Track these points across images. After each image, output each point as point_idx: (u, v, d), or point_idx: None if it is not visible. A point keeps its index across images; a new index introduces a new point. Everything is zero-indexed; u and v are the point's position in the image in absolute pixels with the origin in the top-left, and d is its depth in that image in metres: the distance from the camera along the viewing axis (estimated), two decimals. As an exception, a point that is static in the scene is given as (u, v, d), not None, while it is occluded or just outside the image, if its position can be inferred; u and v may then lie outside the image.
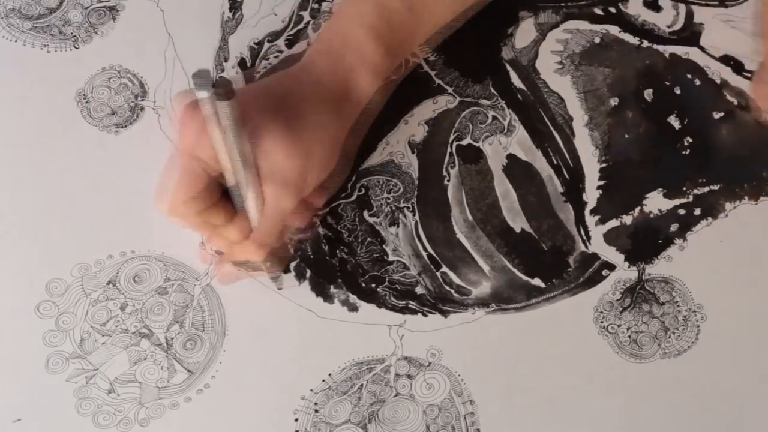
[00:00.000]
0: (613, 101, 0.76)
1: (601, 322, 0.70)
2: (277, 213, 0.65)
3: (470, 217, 0.73)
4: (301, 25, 0.79)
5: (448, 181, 0.74)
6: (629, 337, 0.70)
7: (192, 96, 0.61)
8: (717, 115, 0.76)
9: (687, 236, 0.73)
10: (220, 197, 0.66)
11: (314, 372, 0.69)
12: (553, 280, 0.72)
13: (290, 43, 0.78)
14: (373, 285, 0.71)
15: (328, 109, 0.68)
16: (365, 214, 0.73)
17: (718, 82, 0.77)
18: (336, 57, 0.70)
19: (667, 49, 0.78)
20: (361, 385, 0.69)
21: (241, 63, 0.77)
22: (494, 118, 0.76)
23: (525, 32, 0.79)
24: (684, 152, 0.75)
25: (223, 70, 0.77)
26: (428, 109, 0.76)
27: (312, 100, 0.68)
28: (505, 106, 0.76)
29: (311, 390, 0.68)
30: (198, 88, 0.56)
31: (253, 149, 0.62)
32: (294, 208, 0.66)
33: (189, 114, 0.62)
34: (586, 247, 0.72)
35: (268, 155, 0.63)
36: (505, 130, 0.76)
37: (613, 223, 0.73)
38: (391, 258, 0.72)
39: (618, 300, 0.71)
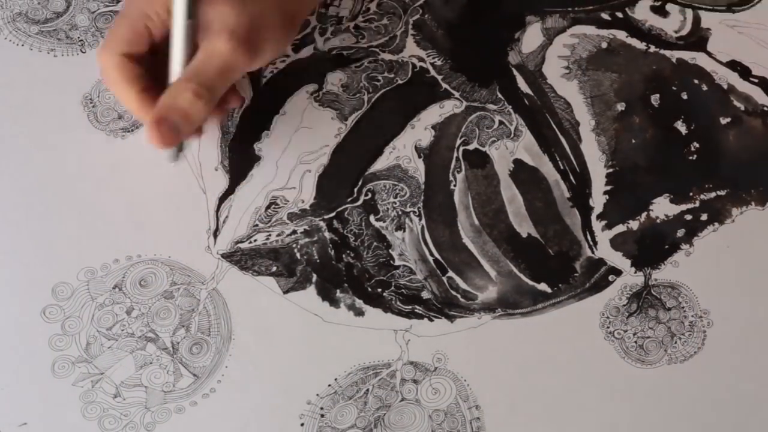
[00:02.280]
0: (620, 106, 0.76)
1: (608, 327, 0.70)
2: (223, 64, 0.65)
3: (476, 222, 0.73)
4: (308, 30, 0.79)
5: (455, 185, 0.74)
6: (635, 342, 0.70)
7: None
8: (724, 121, 0.76)
9: (693, 242, 0.73)
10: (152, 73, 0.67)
11: (320, 376, 0.69)
12: (560, 285, 0.71)
13: (296, 48, 0.78)
14: (379, 289, 0.71)
15: None
16: (371, 218, 0.73)
17: (725, 87, 0.77)
18: None
19: (674, 55, 0.78)
20: (367, 390, 0.69)
21: (248, 67, 0.77)
22: (501, 122, 0.76)
23: (532, 37, 0.79)
24: (691, 157, 0.75)
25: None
26: (435, 113, 0.76)
27: None
28: (511, 110, 0.76)
29: (317, 394, 0.68)
30: None
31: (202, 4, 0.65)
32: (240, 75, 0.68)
33: None
34: (593, 252, 0.72)
35: (215, 6, 0.65)
36: (512, 135, 0.76)
37: (620, 228, 0.73)
38: (397, 262, 0.72)
39: (624, 305, 0.71)
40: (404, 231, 0.73)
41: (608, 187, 0.74)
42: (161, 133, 0.65)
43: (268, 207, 0.73)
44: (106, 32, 0.66)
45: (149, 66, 0.67)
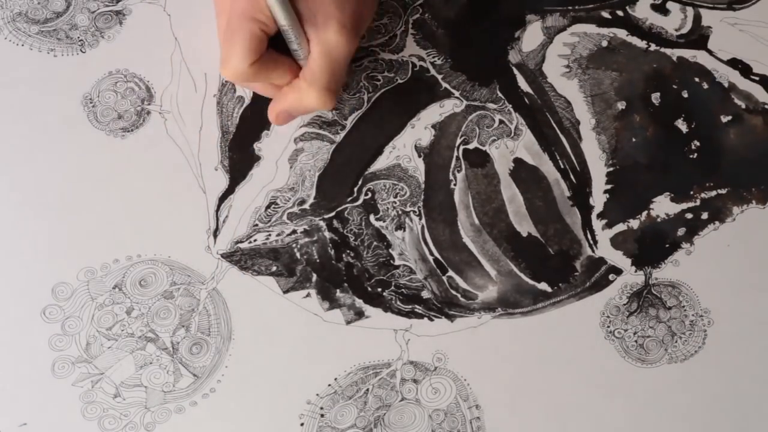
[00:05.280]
0: (621, 105, 0.76)
1: (608, 326, 0.70)
2: (341, 58, 0.68)
3: (477, 221, 0.73)
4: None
5: (455, 185, 0.74)
6: (636, 341, 0.70)
7: None
8: (725, 119, 0.76)
9: (694, 240, 0.73)
10: (280, 58, 0.69)
11: (320, 376, 0.69)
12: (560, 284, 0.71)
13: (297, 47, 0.78)
14: (379, 289, 0.71)
15: None
16: (371, 217, 0.73)
17: (726, 85, 0.77)
18: None
19: (675, 53, 0.78)
20: (367, 390, 0.69)
21: (248, 67, 0.77)
22: (501, 121, 0.76)
23: (532, 36, 0.79)
24: (691, 156, 0.75)
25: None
26: (435, 112, 0.76)
27: None
28: (512, 109, 0.76)
29: (317, 394, 0.68)
30: None
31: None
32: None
33: None
34: (593, 251, 0.72)
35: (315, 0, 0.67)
36: (512, 134, 0.75)
37: (620, 227, 0.73)
38: (397, 262, 0.72)
39: (625, 304, 0.71)
40: (404, 230, 0.73)
41: (609, 186, 0.74)
42: (281, 123, 0.73)
43: (268, 207, 0.73)
44: (223, 48, 0.67)
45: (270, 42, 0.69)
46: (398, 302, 0.71)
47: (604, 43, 0.78)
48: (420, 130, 0.75)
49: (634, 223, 0.73)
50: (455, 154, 0.75)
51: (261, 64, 0.67)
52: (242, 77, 0.67)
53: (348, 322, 0.71)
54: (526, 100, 0.77)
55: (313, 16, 0.67)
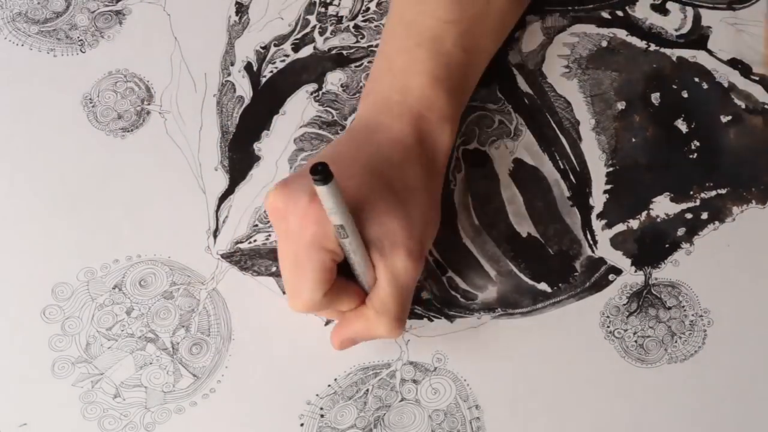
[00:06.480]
0: (620, 105, 0.76)
1: (608, 326, 0.70)
2: (409, 285, 0.64)
3: (476, 222, 0.73)
4: (308, 29, 0.79)
5: (454, 185, 0.74)
6: (635, 341, 0.70)
7: (300, 192, 0.62)
8: (724, 119, 0.76)
9: (694, 240, 0.73)
10: (347, 284, 0.65)
11: (320, 377, 0.69)
12: (560, 284, 0.71)
13: (296, 47, 0.78)
14: (379, 289, 0.71)
15: (422, 168, 0.67)
16: (371, 218, 0.73)
17: (726, 85, 0.77)
18: (401, 110, 0.68)
19: (675, 53, 0.78)
20: (367, 390, 0.69)
21: (248, 67, 0.77)
22: (501, 122, 0.76)
23: (532, 36, 0.79)
24: (691, 156, 0.75)
25: (229, 74, 0.77)
26: (434, 113, 0.76)
27: (400, 160, 0.66)
28: (511, 110, 0.76)
29: (317, 395, 0.68)
30: (318, 183, 0.55)
31: (365, 224, 0.62)
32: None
33: (306, 207, 0.61)
34: (593, 251, 0.72)
35: (383, 226, 0.63)
36: (512, 135, 0.75)
37: (620, 227, 0.73)
38: (397, 262, 0.72)
39: (624, 304, 0.71)
40: (404, 230, 0.73)
41: (608, 186, 0.74)
42: (344, 348, 0.68)
43: (267, 207, 0.73)
44: (291, 279, 0.64)
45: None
46: (398, 302, 0.71)
47: (604, 44, 0.79)
48: (420, 130, 0.75)
49: (634, 224, 0.73)
50: (455, 154, 0.75)
51: (331, 294, 0.63)
52: (313, 309, 0.64)
53: (348, 323, 0.71)
54: (526, 100, 0.77)
55: (381, 242, 0.63)
